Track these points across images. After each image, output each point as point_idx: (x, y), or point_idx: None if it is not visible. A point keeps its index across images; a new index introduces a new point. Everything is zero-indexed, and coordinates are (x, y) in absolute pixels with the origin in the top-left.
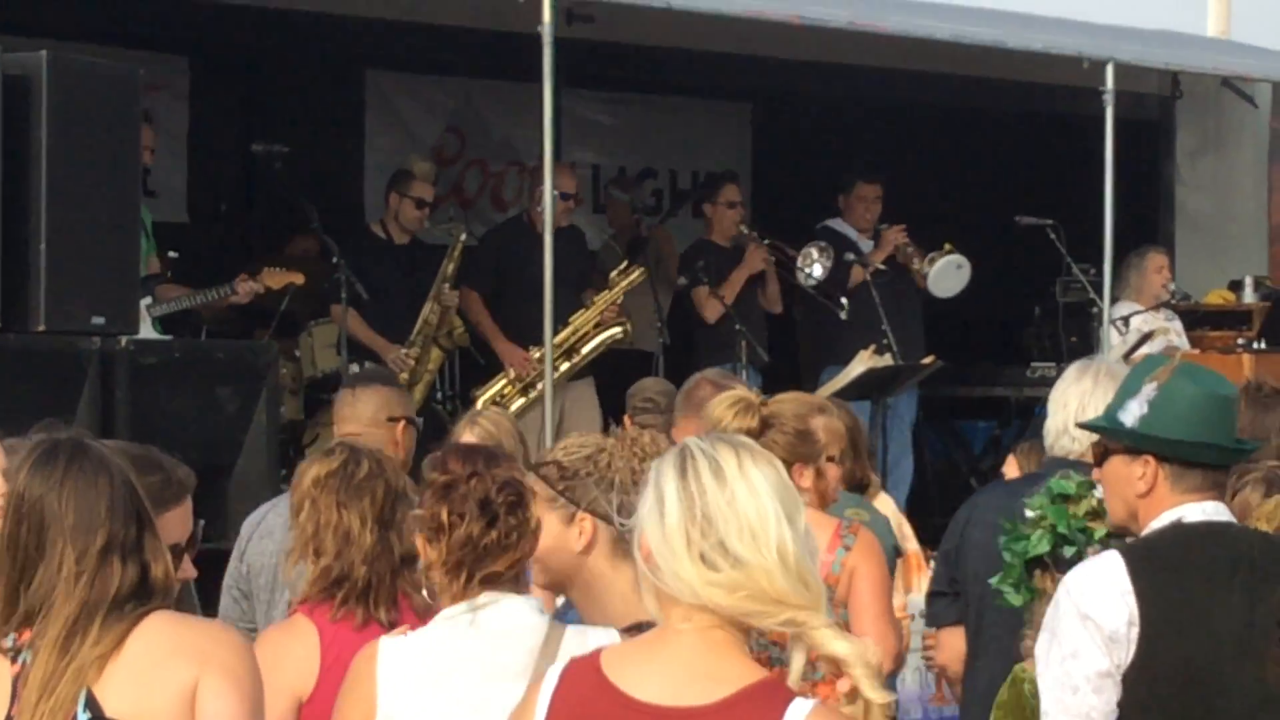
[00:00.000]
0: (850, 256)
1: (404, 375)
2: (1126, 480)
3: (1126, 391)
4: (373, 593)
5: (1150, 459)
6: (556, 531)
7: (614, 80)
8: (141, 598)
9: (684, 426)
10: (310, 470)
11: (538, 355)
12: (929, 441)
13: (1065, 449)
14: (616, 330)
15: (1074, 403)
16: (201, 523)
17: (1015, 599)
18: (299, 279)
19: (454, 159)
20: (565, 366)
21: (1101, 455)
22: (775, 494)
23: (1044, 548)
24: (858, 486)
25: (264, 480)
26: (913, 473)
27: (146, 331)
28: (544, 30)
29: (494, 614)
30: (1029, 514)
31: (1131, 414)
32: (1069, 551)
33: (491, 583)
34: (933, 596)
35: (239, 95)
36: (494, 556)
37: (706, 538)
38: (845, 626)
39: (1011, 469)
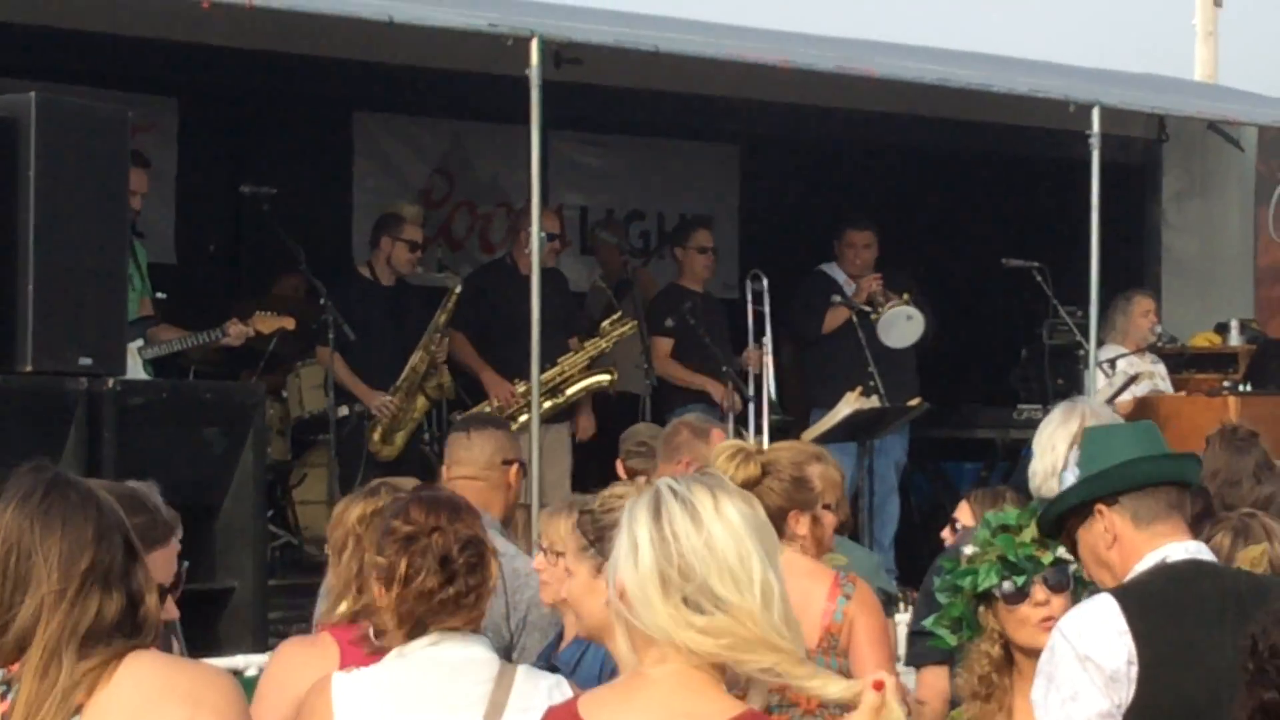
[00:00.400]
0: (836, 299)
1: (385, 422)
2: (1095, 541)
3: (1060, 481)
4: None
5: (1101, 507)
6: (587, 581)
7: (602, 123)
8: (128, 631)
9: (664, 470)
10: (354, 509)
11: (522, 389)
12: (915, 483)
13: (1053, 491)
14: (604, 377)
15: (1062, 445)
16: (185, 564)
17: (951, 639)
18: (289, 324)
19: (442, 201)
20: (548, 405)
21: (1070, 538)
22: (754, 533)
23: (992, 579)
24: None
25: (250, 521)
26: (899, 514)
27: (137, 373)
28: (532, 73)
29: (446, 651)
30: (969, 551)
31: (1066, 484)
32: (1019, 581)
33: (453, 617)
34: (914, 635)
35: (227, 137)
36: (449, 612)
37: (689, 581)
38: (847, 673)
39: (965, 515)
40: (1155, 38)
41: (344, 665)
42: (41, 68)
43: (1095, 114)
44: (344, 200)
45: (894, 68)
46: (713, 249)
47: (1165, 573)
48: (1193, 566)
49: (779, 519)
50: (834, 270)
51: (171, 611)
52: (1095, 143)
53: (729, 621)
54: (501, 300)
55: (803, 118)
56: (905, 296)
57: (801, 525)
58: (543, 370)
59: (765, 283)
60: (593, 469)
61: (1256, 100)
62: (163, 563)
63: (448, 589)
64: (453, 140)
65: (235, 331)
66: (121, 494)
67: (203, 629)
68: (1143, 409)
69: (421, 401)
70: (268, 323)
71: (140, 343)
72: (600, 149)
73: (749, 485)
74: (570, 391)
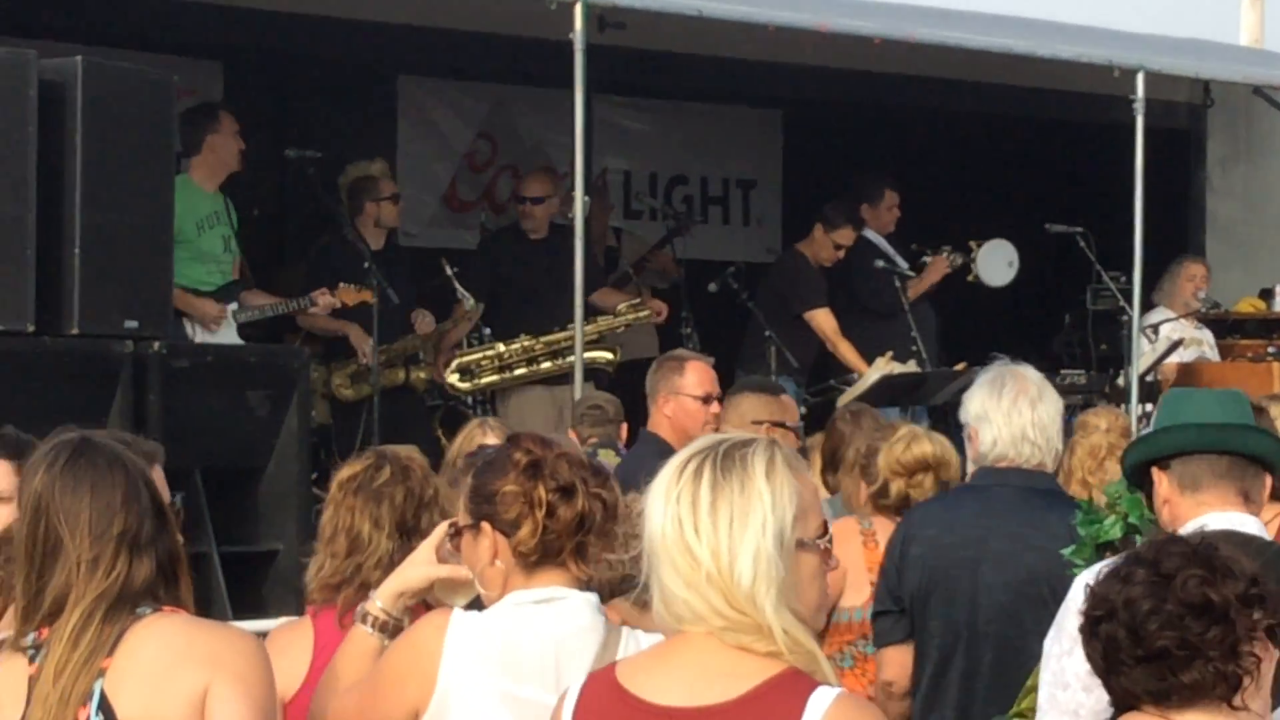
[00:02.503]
0: (902, 269)
1: (353, 368)
2: (1156, 501)
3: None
4: None
5: (1155, 470)
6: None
7: (645, 87)
8: (158, 594)
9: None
10: (339, 473)
11: (517, 345)
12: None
13: (1024, 455)
14: (606, 355)
15: (1027, 411)
16: (180, 494)
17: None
18: (370, 297)
19: (486, 165)
20: (547, 365)
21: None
22: (772, 498)
23: (1116, 534)
24: None
25: (294, 484)
26: None
27: (231, 337)
28: (576, 37)
29: (560, 611)
30: (1105, 497)
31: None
32: (1139, 540)
33: (577, 561)
34: (877, 616)
35: (272, 101)
36: (579, 546)
37: (700, 534)
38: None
39: None
40: (1201, 3)
41: (318, 648)
42: (87, 31)
43: (1139, 79)
44: (388, 165)
45: (936, 34)
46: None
47: None
48: (1224, 538)
49: None
50: (874, 236)
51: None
52: (1139, 108)
53: (725, 599)
54: (509, 265)
55: (845, 82)
56: (974, 244)
57: None
58: (550, 331)
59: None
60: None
61: None
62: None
63: (594, 511)
64: (496, 104)
65: (324, 302)
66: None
67: (247, 591)
68: (1186, 375)
69: (400, 375)
70: (352, 295)
71: (235, 306)
72: (643, 113)
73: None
74: (570, 359)
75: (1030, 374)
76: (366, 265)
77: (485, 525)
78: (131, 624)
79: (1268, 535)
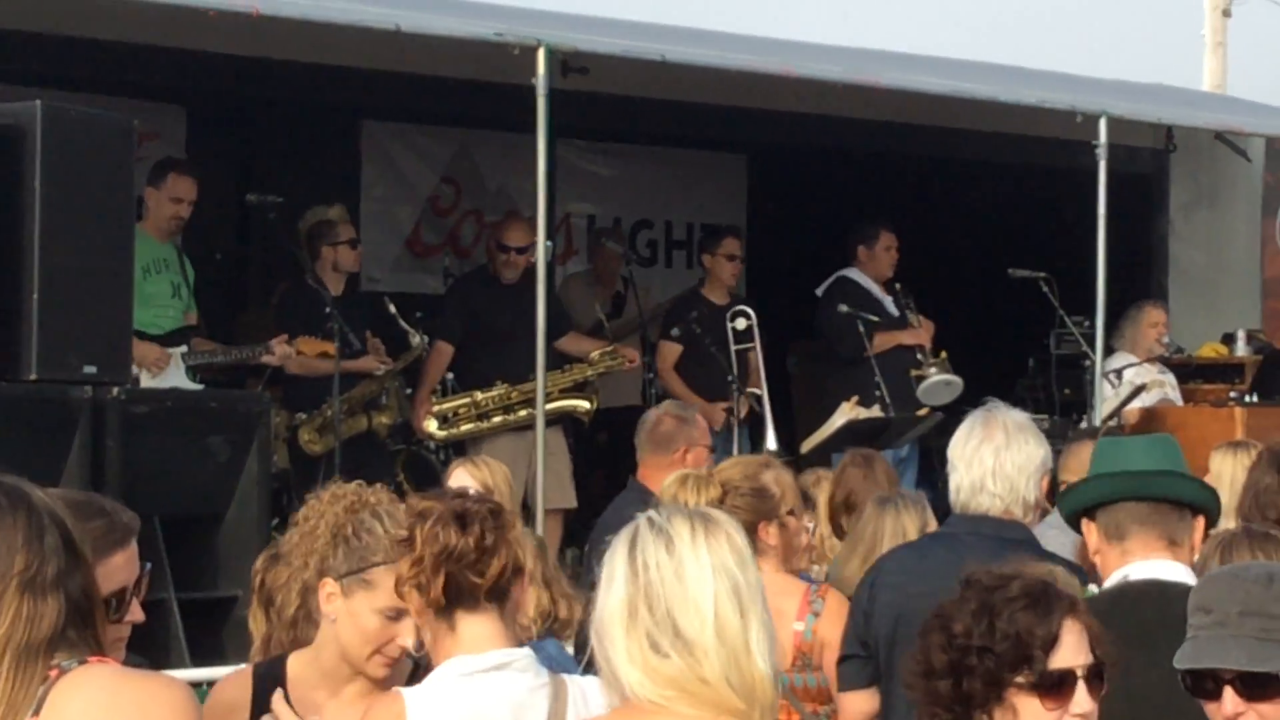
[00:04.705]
0: (865, 317)
1: (318, 421)
2: (1089, 550)
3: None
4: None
5: (1085, 521)
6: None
7: (609, 131)
8: (75, 641)
9: (656, 463)
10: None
11: (495, 394)
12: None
13: (981, 506)
14: (583, 404)
15: (990, 459)
16: (148, 565)
17: None
18: (330, 348)
19: (450, 209)
20: (523, 414)
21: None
22: (734, 570)
23: None
24: None
25: (255, 530)
26: None
27: (180, 380)
28: (539, 82)
29: (511, 675)
30: None
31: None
32: None
33: (472, 602)
34: (844, 660)
35: (235, 145)
36: (474, 571)
37: (653, 613)
38: (822, 692)
39: None
40: (1164, 48)
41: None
42: (48, 75)
43: (1102, 124)
44: (352, 209)
45: (902, 79)
46: (740, 257)
47: (1116, 592)
48: (1145, 587)
49: (749, 534)
50: (861, 277)
51: (137, 614)
52: (1102, 153)
53: (681, 668)
54: (481, 309)
55: (810, 127)
56: (943, 355)
57: (771, 535)
58: (523, 381)
59: (754, 319)
60: (599, 479)
61: (1264, 111)
62: (123, 565)
63: (465, 539)
64: (460, 149)
65: (281, 351)
66: (75, 500)
67: (206, 637)
68: (1150, 419)
69: (363, 422)
70: (311, 345)
71: (184, 349)
72: (607, 158)
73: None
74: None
75: (1006, 419)
76: (328, 310)
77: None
78: (57, 679)
79: (1193, 580)
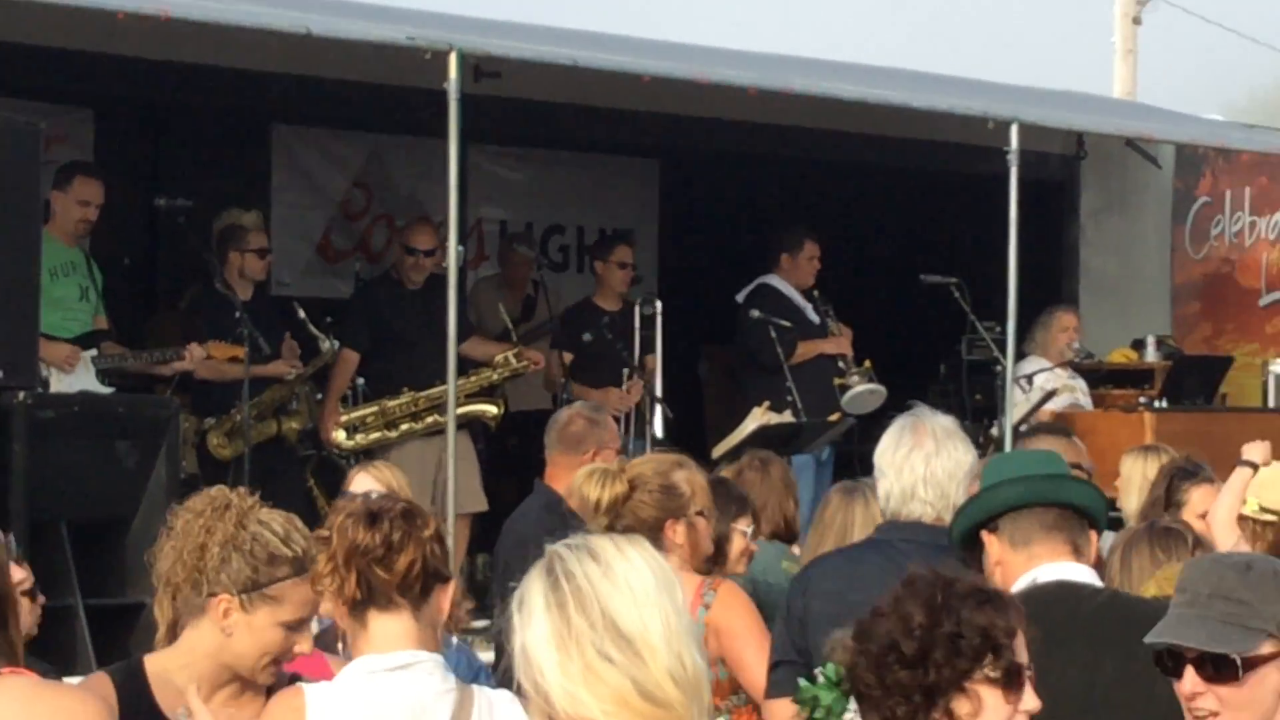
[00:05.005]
0: (785, 325)
1: (228, 425)
2: (986, 566)
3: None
4: None
5: (984, 534)
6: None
7: (521, 136)
8: None
9: (565, 463)
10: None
11: (402, 401)
12: None
13: (913, 513)
14: (490, 409)
15: (920, 465)
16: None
17: None
18: (241, 353)
19: (361, 214)
20: (430, 420)
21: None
22: (663, 581)
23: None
24: (791, 537)
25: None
26: None
27: (90, 384)
28: (451, 86)
29: (415, 676)
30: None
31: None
32: None
33: (385, 601)
34: (776, 665)
35: (145, 149)
36: (385, 568)
37: (594, 628)
38: (729, 684)
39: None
40: (1075, 55)
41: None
42: None
43: (1014, 130)
44: (262, 214)
45: (813, 84)
46: (632, 265)
47: (1025, 595)
48: (1054, 589)
49: (655, 530)
50: (782, 284)
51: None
52: (1014, 159)
53: (624, 675)
54: (389, 314)
55: (722, 132)
56: (867, 364)
57: (678, 534)
58: (433, 385)
59: (658, 305)
60: (510, 483)
61: (1174, 118)
62: None
63: (374, 534)
64: (371, 153)
65: (194, 354)
66: None
67: (112, 644)
68: (1061, 423)
69: (273, 427)
70: (224, 350)
71: (94, 352)
72: (519, 163)
73: (619, 502)
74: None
75: (935, 424)
76: (237, 315)
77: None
78: None
79: (1099, 584)
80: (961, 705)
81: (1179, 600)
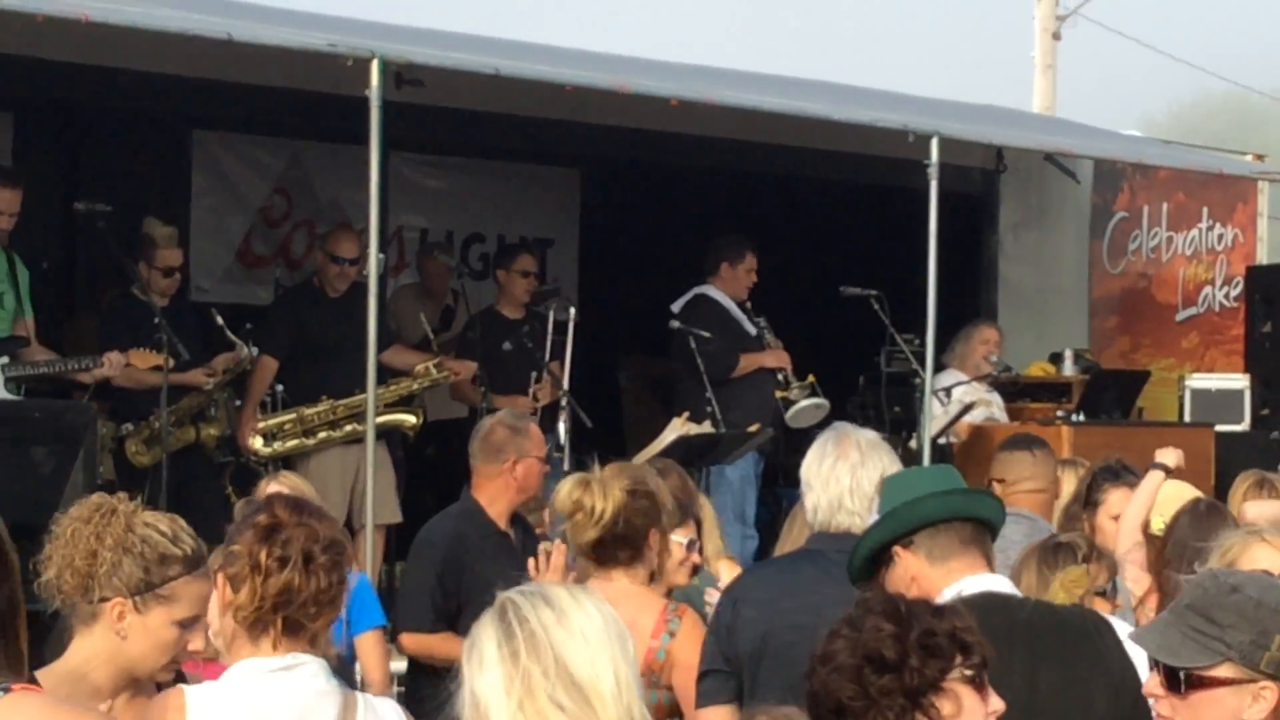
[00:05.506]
0: (703, 335)
1: (145, 432)
2: (897, 583)
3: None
4: None
5: (897, 550)
6: None
7: (443, 144)
8: None
9: (487, 472)
10: None
11: (321, 409)
12: (755, 510)
13: (841, 524)
14: (409, 419)
15: (846, 477)
16: None
17: None
18: (162, 362)
19: (281, 220)
20: (349, 429)
21: (880, 584)
22: (614, 627)
23: None
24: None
25: None
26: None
27: (0, 392)
28: (372, 93)
29: (299, 677)
30: None
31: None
32: None
33: (293, 635)
34: (705, 675)
35: (64, 153)
36: (305, 615)
37: (541, 663)
38: (672, 708)
39: None
40: (995, 70)
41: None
42: None
43: (934, 144)
44: (182, 219)
45: (734, 96)
46: (535, 274)
47: (965, 606)
48: (984, 599)
49: (642, 538)
50: (719, 295)
51: None
52: (934, 172)
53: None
54: (310, 322)
55: (644, 143)
56: (810, 379)
57: (654, 543)
58: (352, 394)
59: (572, 311)
60: (428, 493)
61: (1093, 133)
62: None
63: (308, 584)
64: (292, 159)
65: (113, 362)
66: None
67: (28, 652)
68: (977, 437)
69: (191, 433)
70: (144, 358)
71: (5, 360)
72: (441, 170)
73: (621, 510)
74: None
75: (859, 437)
76: (156, 321)
77: (220, 577)
78: None
79: (1020, 594)
80: (944, 705)
81: (1169, 605)
